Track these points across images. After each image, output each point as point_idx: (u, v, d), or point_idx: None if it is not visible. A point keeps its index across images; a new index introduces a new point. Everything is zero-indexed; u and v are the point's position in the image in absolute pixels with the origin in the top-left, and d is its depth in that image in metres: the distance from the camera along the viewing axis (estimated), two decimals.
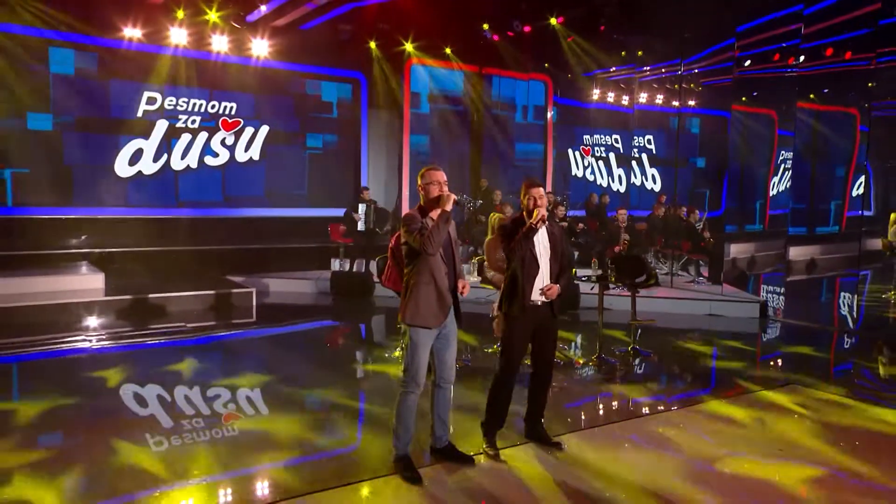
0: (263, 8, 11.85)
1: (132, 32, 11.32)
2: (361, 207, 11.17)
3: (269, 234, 12.84)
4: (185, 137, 12.28)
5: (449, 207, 4.04)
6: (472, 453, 4.37)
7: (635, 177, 17.75)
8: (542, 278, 4.44)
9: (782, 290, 12.43)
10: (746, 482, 4.20)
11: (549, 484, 4.08)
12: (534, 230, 4.38)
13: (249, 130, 12.92)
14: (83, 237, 11.22)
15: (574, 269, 7.88)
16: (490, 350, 7.17)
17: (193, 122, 12.35)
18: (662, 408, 5.77)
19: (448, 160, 14.49)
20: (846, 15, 11.85)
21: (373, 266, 10.52)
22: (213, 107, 12.53)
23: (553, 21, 13.55)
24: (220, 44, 12.04)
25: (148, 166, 11.96)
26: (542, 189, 4.50)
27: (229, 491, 4.04)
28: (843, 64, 13.20)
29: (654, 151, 17.95)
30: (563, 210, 11.90)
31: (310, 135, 13.79)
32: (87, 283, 9.60)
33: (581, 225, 13.07)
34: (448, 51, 14.30)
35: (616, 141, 17.68)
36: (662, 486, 4.09)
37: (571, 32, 13.97)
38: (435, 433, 4.32)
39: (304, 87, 13.63)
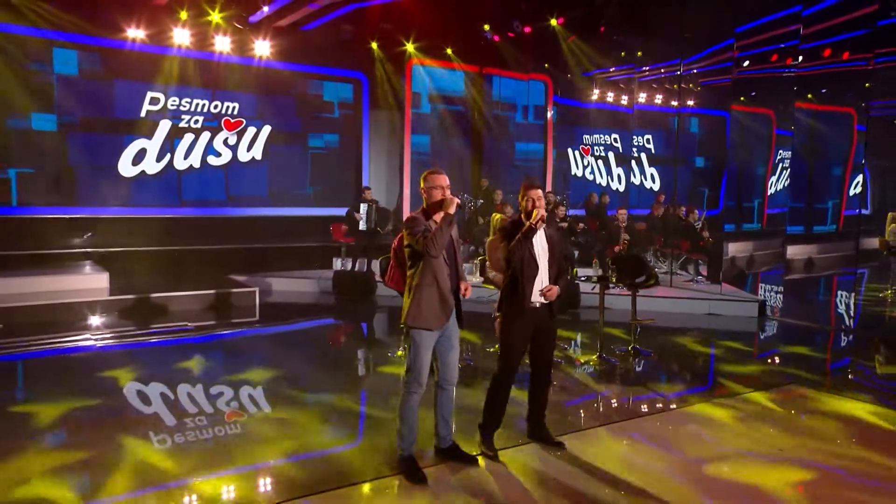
0: (266, 9, 11.92)
1: (136, 33, 11.40)
2: (363, 207, 11.24)
3: (272, 233, 12.92)
4: (188, 137, 12.36)
5: (452, 211, 4.08)
6: (475, 453, 4.43)
7: (634, 176, 17.83)
8: (541, 280, 4.48)
9: (780, 288, 12.51)
10: (747, 481, 4.24)
11: (551, 484, 4.12)
12: (533, 230, 4.42)
13: (252, 130, 13.00)
14: (87, 237, 11.30)
15: (575, 269, 7.95)
16: (492, 349, 7.24)
17: (196, 122, 12.43)
18: (661, 405, 5.84)
19: (449, 160, 14.59)
20: (845, 16, 11.94)
21: (374, 265, 10.61)
22: (215, 107, 12.60)
23: (553, 22, 13.63)
24: (222, 44, 12.12)
25: (151, 166, 12.04)
26: (540, 191, 4.55)
27: (232, 488, 4.08)
28: (841, 64, 13.30)
29: (653, 151, 18.03)
30: (563, 210, 11.98)
31: (312, 135, 13.87)
32: (92, 282, 9.70)
33: (581, 224, 13.15)
34: (449, 51, 14.38)
35: (615, 140, 17.76)
36: (663, 485, 4.13)
37: (571, 33, 14.05)
38: (439, 433, 4.37)
39: (306, 87, 13.71)
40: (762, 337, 9.09)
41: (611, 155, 17.78)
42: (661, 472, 4.34)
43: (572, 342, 8.12)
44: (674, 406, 5.83)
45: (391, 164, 14.82)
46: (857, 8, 11.34)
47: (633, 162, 17.68)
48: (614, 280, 7.25)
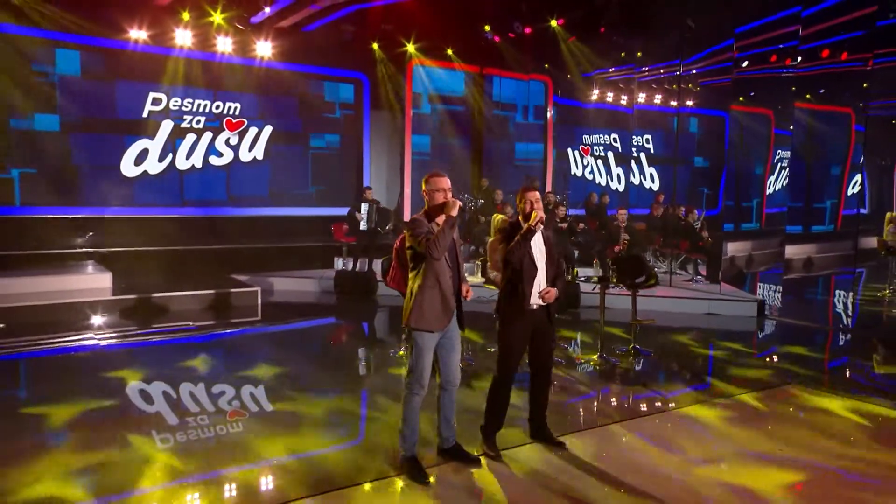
0: (267, 10, 11.96)
1: (138, 34, 11.46)
2: (364, 207, 11.28)
3: (273, 233, 12.98)
4: (190, 137, 12.41)
5: (454, 213, 4.10)
6: (477, 453, 4.47)
7: (634, 176, 17.88)
8: (540, 282, 4.51)
9: (779, 288, 12.56)
10: (747, 481, 4.27)
11: (553, 484, 4.16)
12: (532, 232, 4.45)
13: (253, 130, 13.05)
14: (89, 236, 11.35)
15: (575, 269, 7.99)
16: (493, 349, 7.27)
17: (198, 122, 12.48)
18: (660, 404, 5.88)
19: (449, 160, 14.65)
20: (844, 17, 12.00)
21: (376, 265, 10.67)
22: (217, 107, 12.65)
23: (553, 23, 13.69)
24: (224, 45, 12.17)
25: (153, 166, 12.09)
26: (538, 193, 4.60)
27: (234, 487, 4.10)
28: (840, 65, 13.35)
29: (652, 151, 18.08)
30: (563, 210, 12.02)
31: (313, 135, 13.92)
32: (94, 282, 9.74)
33: (581, 224, 13.20)
34: (449, 52, 14.43)
35: (615, 140, 17.81)
36: (664, 485, 4.17)
37: (571, 34, 14.10)
38: (441, 434, 4.41)
39: (308, 87, 13.75)
40: (761, 336, 9.14)
41: (610, 155, 17.83)
42: (661, 471, 4.37)
43: (573, 342, 8.15)
44: (674, 406, 5.86)
45: (392, 164, 14.87)
46: (856, 9, 11.40)
47: (633, 162, 17.74)
48: (614, 280, 7.30)
